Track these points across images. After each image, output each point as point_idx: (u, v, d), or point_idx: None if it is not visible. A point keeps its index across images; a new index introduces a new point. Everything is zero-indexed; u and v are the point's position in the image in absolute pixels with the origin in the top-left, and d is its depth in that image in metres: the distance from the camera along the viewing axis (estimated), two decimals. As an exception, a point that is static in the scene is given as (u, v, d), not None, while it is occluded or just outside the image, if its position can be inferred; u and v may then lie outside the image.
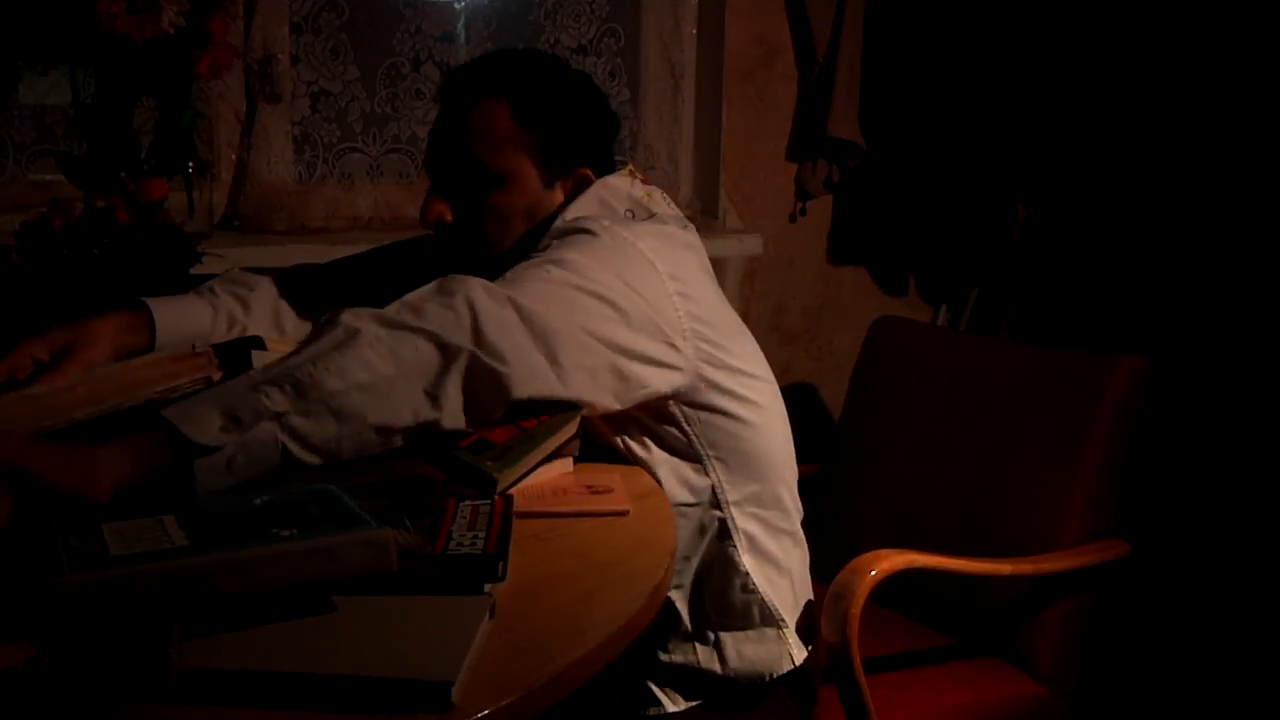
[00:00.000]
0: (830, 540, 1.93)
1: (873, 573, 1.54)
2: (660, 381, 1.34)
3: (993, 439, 1.94)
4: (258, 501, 0.99)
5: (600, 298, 1.27)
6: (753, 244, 2.64)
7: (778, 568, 1.51)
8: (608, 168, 1.50)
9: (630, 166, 1.51)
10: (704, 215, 2.70)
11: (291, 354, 1.14)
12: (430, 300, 1.18)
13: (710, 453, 1.43)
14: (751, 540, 1.47)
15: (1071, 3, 2.63)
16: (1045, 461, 1.86)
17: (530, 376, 1.18)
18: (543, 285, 1.25)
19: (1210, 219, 2.53)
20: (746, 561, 1.47)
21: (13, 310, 1.63)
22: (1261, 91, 2.43)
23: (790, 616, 1.51)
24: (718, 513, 1.45)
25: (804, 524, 1.59)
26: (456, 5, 2.58)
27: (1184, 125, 2.56)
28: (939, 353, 2.10)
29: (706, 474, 1.43)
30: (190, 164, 1.95)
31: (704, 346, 1.37)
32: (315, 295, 1.58)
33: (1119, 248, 2.69)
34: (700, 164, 2.75)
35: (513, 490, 1.17)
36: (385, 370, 1.11)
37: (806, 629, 1.55)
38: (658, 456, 1.41)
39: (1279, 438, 2.41)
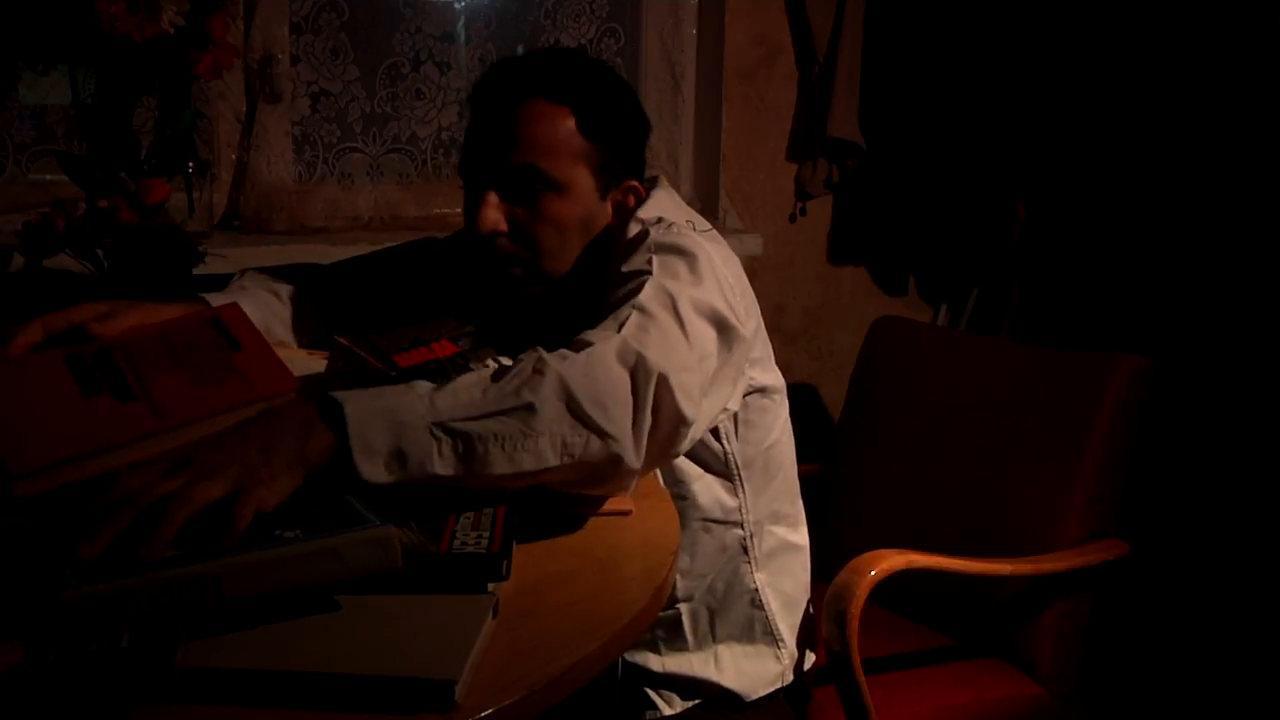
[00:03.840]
0: (830, 540, 1.93)
1: (872, 573, 1.54)
2: (733, 405, 1.36)
3: (993, 439, 1.94)
4: None
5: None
6: (753, 244, 2.64)
7: (787, 581, 1.52)
8: (640, 171, 1.48)
9: (664, 181, 1.49)
10: (704, 215, 2.69)
11: (483, 388, 1.05)
12: (614, 374, 1.09)
13: (742, 471, 1.44)
14: (766, 557, 1.48)
15: (1071, 3, 2.63)
16: (1045, 461, 1.86)
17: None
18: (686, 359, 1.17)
19: (1210, 219, 2.53)
20: (759, 578, 1.48)
21: (13, 310, 1.63)
22: (1261, 91, 2.43)
23: (790, 632, 1.52)
24: (739, 531, 1.46)
25: (806, 530, 1.60)
26: (456, 5, 2.58)
27: (1184, 125, 2.56)
28: (939, 353, 2.11)
29: (736, 493, 1.44)
30: (190, 164, 1.95)
31: (753, 365, 1.39)
32: (317, 297, 1.54)
33: (1119, 248, 2.69)
34: (700, 164, 2.75)
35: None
36: (552, 462, 1.05)
37: (804, 634, 1.56)
38: (693, 473, 1.42)
39: (1279, 438, 2.41)
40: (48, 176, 2.25)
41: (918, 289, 2.91)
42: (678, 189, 2.70)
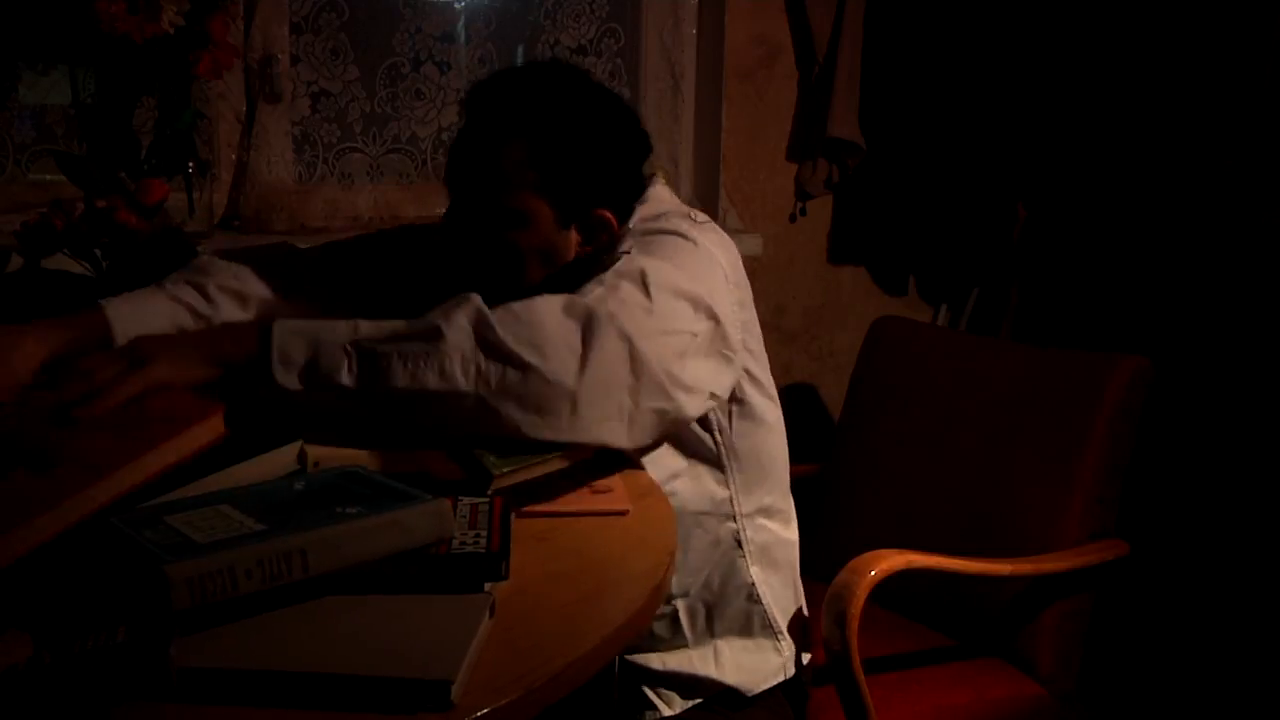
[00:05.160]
0: (830, 540, 1.93)
1: (872, 573, 1.54)
2: (722, 391, 1.36)
3: (993, 439, 1.94)
4: (298, 486, 1.03)
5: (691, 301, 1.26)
6: (753, 244, 2.64)
7: (781, 576, 1.51)
8: (637, 189, 1.45)
9: (662, 178, 1.48)
10: (704, 215, 2.71)
11: (410, 320, 1.15)
12: (551, 321, 1.14)
13: (733, 462, 1.44)
14: (760, 551, 1.48)
15: (1071, 3, 2.63)
16: (1045, 461, 1.86)
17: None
18: (637, 310, 1.20)
19: (1210, 219, 2.53)
20: (754, 573, 1.48)
21: (11, 311, 1.63)
22: (1261, 92, 2.43)
23: (786, 624, 1.52)
24: (732, 524, 1.46)
25: (803, 524, 1.60)
26: (456, 5, 2.58)
27: (1184, 125, 2.56)
28: (939, 353, 2.11)
29: (727, 485, 1.44)
30: (190, 164, 1.95)
31: (748, 357, 1.38)
32: (294, 280, 1.51)
33: (1119, 248, 2.69)
34: (700, 164, 2.75)
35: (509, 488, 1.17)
36: (463, 386, 1.12)
37: (801, 632, 1.56)
38: (682, 465, 1.41)
39: (1279, 438, 2.41)
40: (47, 176, 2.25)
41: (918, 289, 2.91)
42: (677, 189, 2.73)
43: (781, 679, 1.52)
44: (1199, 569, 2.49)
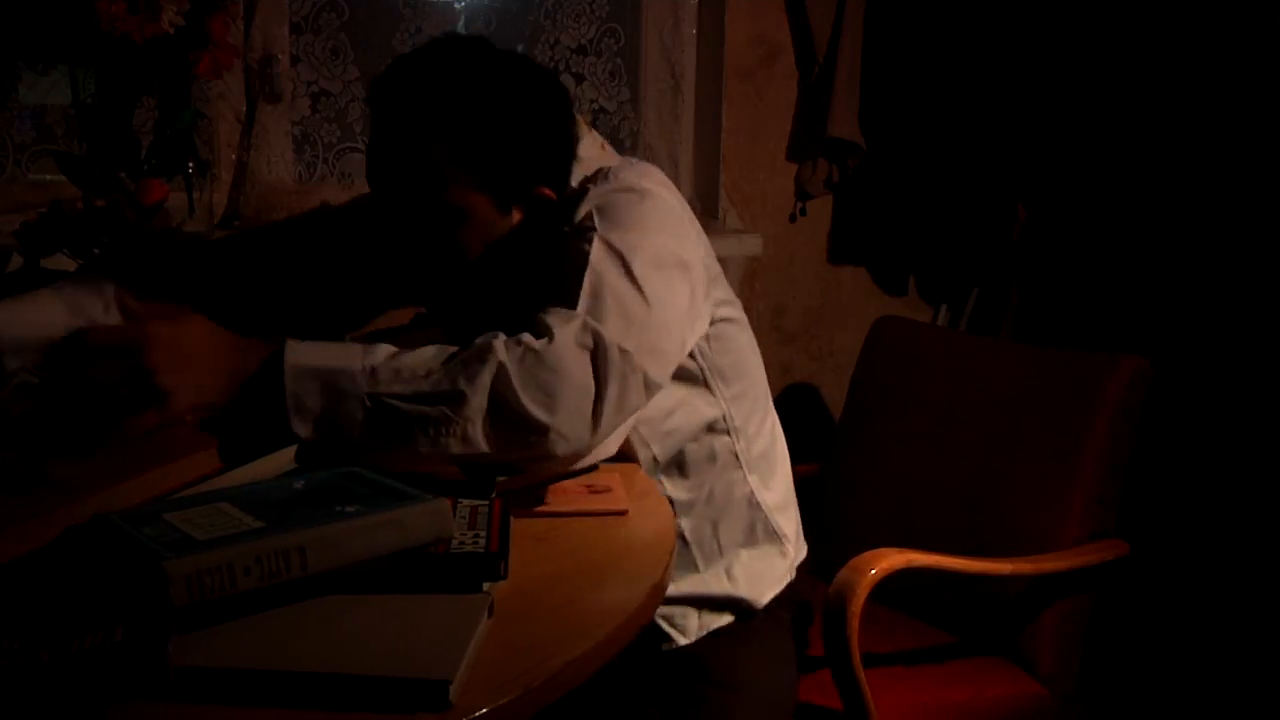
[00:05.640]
0: (830, 539, 1.93)
1: (873, 571, 1.55)
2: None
3: (993, 439, 1.94)
4: (297, 485, 1.03)
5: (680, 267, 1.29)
6: (753, 244, 2.64)
7: (776, 482, 1.54)
8: (569, 148, 1.39)
9: (583, 123, 1.43)
10: (704, 215, 2.70)
11: (428, 370, 1.10)
12: (571, 367, 1.12)
13: (718, 381, 1.45)
14: (756, 460, 1.50)
15: (1071, 3, 2.63)
16: (1045, 461, 1.86)
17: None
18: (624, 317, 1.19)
19: (1210, 219, 2.53)
20: (752, 480, 1.50)
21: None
22: (1261, 92, 2.43)
23: (790, 527, 1.55)
24: (727, 438, 1.47)
25: (804, 524, 1.62)
26: (456, 5, 2.58)
27: (1184, 125, 2.56)
28: (939, 353, 2.11)
29: (717, 403, 1.45)
30: (190, 164, 1.95)
31: (713, 286, 1.41)
32: (232, 270, 1.49)
33: (1119, 248, 2.69)
34: (700, 164, 2.75)
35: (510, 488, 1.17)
36: (484, 449, 1.10)
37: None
38: (671, 401, 1.42)
39: (1279, 438, 2.41)
40: (47, 176, 2.25)
41: (918, 289, 2.91)
42: (678, 189, 2.73)
43: (789, 581, 1.54)
44: (1199, 569, 2.49)
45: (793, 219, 2.77)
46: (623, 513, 1.18)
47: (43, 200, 1.78)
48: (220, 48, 1.80)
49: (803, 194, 2.75)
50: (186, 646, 0.82)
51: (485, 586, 0.95)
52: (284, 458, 1.16)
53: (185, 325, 1.13)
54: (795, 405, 2.81)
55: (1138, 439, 1.85)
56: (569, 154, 1.38)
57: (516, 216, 1.35)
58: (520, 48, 2.63)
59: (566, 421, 1.10)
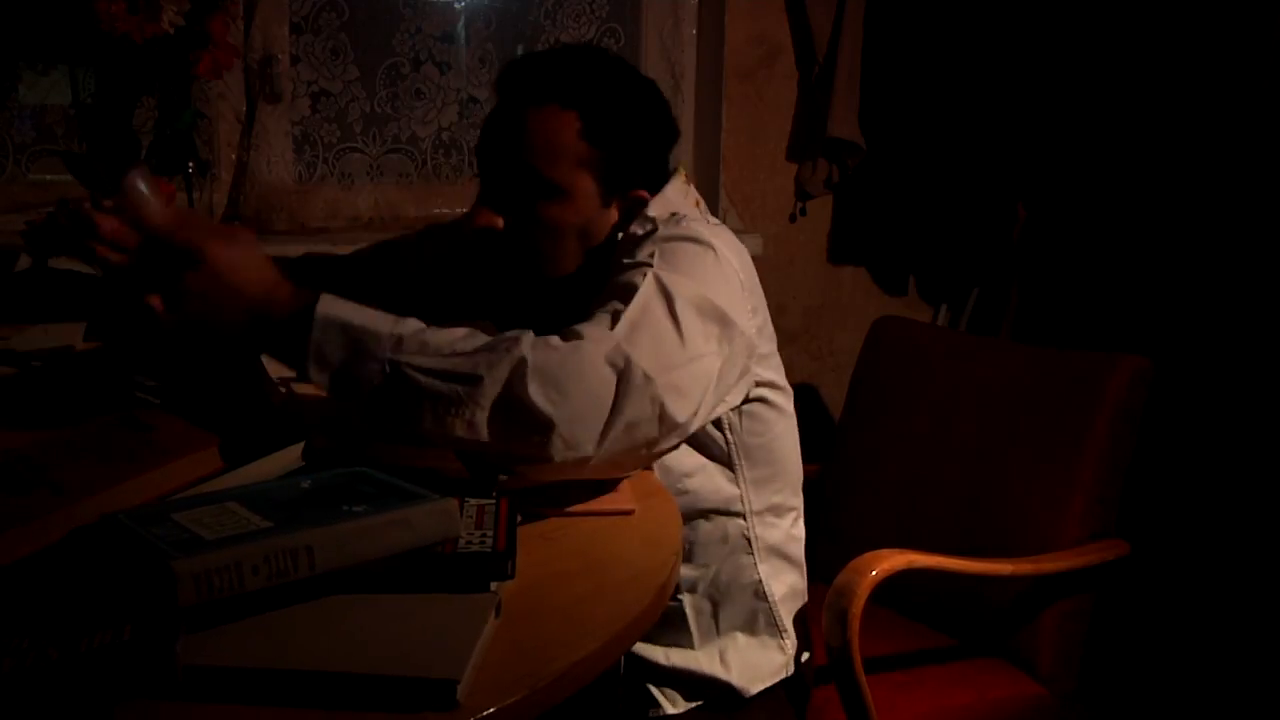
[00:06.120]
0: (830, 540, 1.93)
1: (873, 573, 1.54)
2: (729, 406, 1.36)
3: (993, 439, 1.94)
4: (305, 484, 1.02)
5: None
6: (753, 244, 2.62)
7: (788, 574, 1.52)
8: (663, 178, 1.44)
9: (683, 172, 1.47)
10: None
11: (454, 349, 1.10)
12: (591, 373, 1.11)
13: (743, 461, 1.44)
14: (768, 549, 1.48)
15: (1071, 3, 2.63)
16: (1045, 462, 1.86)
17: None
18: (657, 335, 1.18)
19: (1210, 219, 2.53)
20: (762, 570, 1.48)
21: (18, 310, 1.63)
22: (1261, 91, 2.43)
23: (792, 623, 1.53)
24: (741, 522, 1.46)
25: (805, 524, 1.60)
26: (456, 5, 2.58)
27: (1184, 125, 2.56)
28: (939, 353, 2.10)
29: (737, 484, 1.44)
30: (190, 164, 1.95)
31: (759, 363, 1.38)
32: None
33: (1119, 248, 2.69)
34: (700, 164, 2.75)
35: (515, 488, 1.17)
36: (485, 438, 1.09)
37: (803, 630, 1.56)
38: (693, 463, 1.41)
39: (1279, 438, 2.41)
40: (48, 176, 2.25)
41: (918, 289, 2.92)
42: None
43: (783, 676, 1.52)
44: (1199, 569, 2.49)
45: (793, 219, 2.78)
46: (629, 512, 1.18)
47: (43, 200, 1.78)
48: (220, 48, 1.80)
49: (803, 194, 2.75)
50: (194, 645, 0.82)
51: (492, 586, 0.95)
52: (286, 457, 1.16)
53: (239, 255, 1.14)
54: (795, 405, 2.81)
55: (1138, 439, 1.85)
56: (664, 176, 1.43)
57: (613, 218, 1.38)
58: (520, 48, 2.63)
59: (572, 425, 1.08)
